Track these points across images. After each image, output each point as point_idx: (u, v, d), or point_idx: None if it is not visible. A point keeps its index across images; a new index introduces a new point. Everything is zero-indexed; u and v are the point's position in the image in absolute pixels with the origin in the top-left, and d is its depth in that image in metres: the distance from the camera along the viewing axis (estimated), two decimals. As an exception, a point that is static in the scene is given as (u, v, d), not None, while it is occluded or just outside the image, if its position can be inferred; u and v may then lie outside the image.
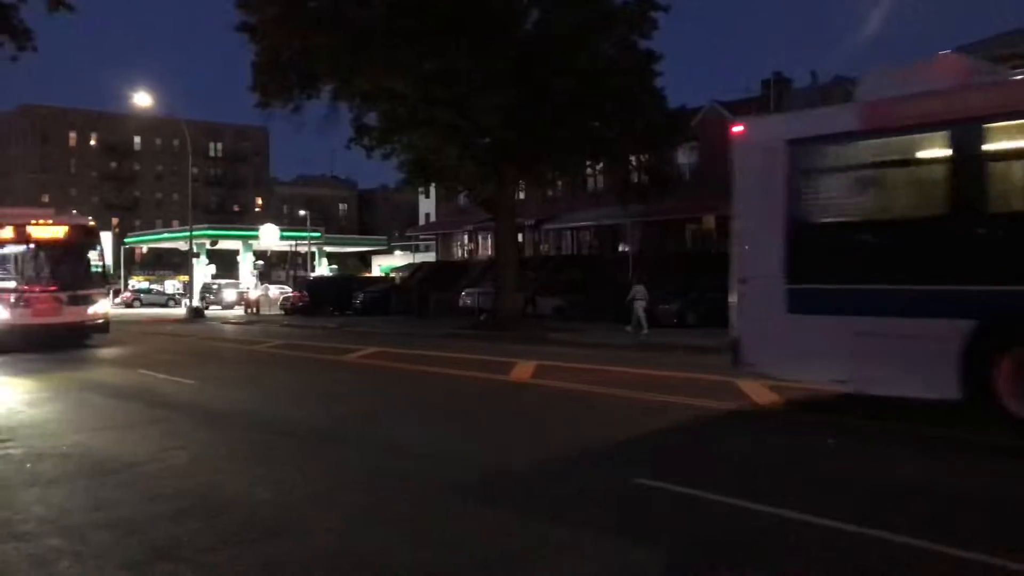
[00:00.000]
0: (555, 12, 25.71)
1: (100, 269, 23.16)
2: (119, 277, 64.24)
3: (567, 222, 43.16)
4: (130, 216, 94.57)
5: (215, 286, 55.77)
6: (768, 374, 10.75)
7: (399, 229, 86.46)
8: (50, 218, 22.94)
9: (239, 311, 45.97)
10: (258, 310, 43.47)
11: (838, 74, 37.60)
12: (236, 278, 60.48)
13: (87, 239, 22.82)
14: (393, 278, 53.49)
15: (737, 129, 10.91)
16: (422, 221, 70.60)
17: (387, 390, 14.15)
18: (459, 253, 53.75)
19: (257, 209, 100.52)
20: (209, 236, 58.97)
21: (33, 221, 21.87)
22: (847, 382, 9.58)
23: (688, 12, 73.70)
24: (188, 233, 49.04)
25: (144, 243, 75.25)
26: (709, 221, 38.90)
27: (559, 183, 40.16)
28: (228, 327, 33.68)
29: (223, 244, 61.36)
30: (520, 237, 39.57)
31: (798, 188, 10.06)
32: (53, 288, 21.21)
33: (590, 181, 41.67)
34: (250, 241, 61.25)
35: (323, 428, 10.03)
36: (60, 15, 22.71)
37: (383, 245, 78.27)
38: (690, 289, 28.50)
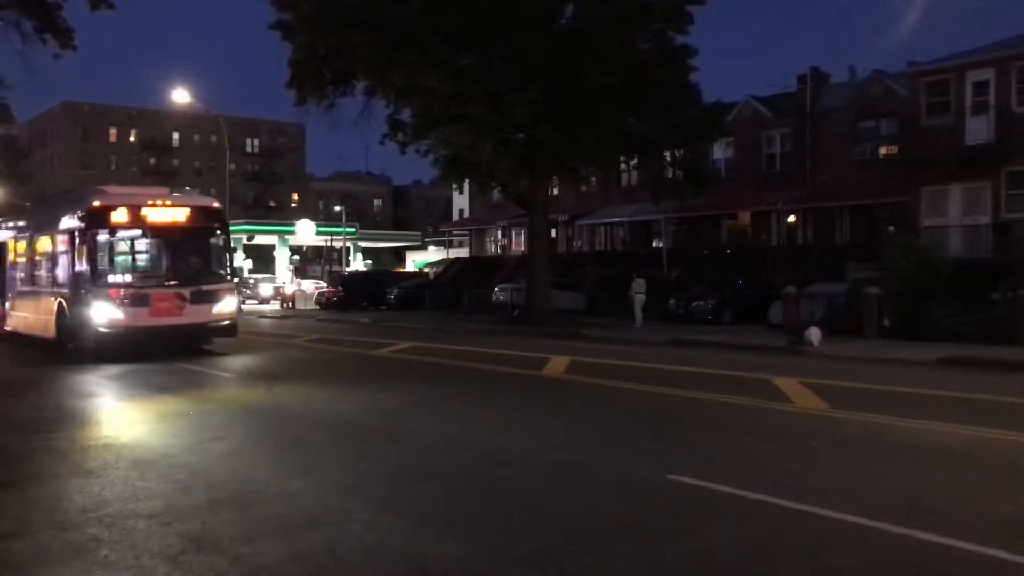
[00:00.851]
0: (590, 7, 25.59)
1: (227, 260, 19.36)
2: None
3: (600, 218, 42.96)
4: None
5: (251, 281, 56.34)
6: None
7: (433, 224, 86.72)
8: (167, 198, 18.77)
9: (275, 306, 46.40)
10: (293, 305, 43.86)
11: (876, 68, 37.03)
12: (272, 273, 61.10)
13: (212, 223, 18.95)
14: (427, 273, 53.69)
15: None
16: (456, 216, 70.79)
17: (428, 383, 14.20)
18: (492, 249, 53.76)
19: (293, 205, 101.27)
20: (246, 231, 59.61)
21: (149, 202, 18.05)
22: None
23: (724, 6, 73.08)
24: (226, 228, 49.25)
25: (182, 238, 75.84)
26: (745, 217, 38.57)
27: (593, 179, 40.00)
28: (264, 321, 34.02)
29: (259, 239, 61.95)
30: (553, 233, 39.50)
31: None
32: (174, 283, 17.74)
33: (624, 176, 41.43)
34: (286, 236, 61.93)
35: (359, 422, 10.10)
36: (101, 12, 22.89)
37: (417, 240, 78.64)
38: (725, 286, 28.31)
